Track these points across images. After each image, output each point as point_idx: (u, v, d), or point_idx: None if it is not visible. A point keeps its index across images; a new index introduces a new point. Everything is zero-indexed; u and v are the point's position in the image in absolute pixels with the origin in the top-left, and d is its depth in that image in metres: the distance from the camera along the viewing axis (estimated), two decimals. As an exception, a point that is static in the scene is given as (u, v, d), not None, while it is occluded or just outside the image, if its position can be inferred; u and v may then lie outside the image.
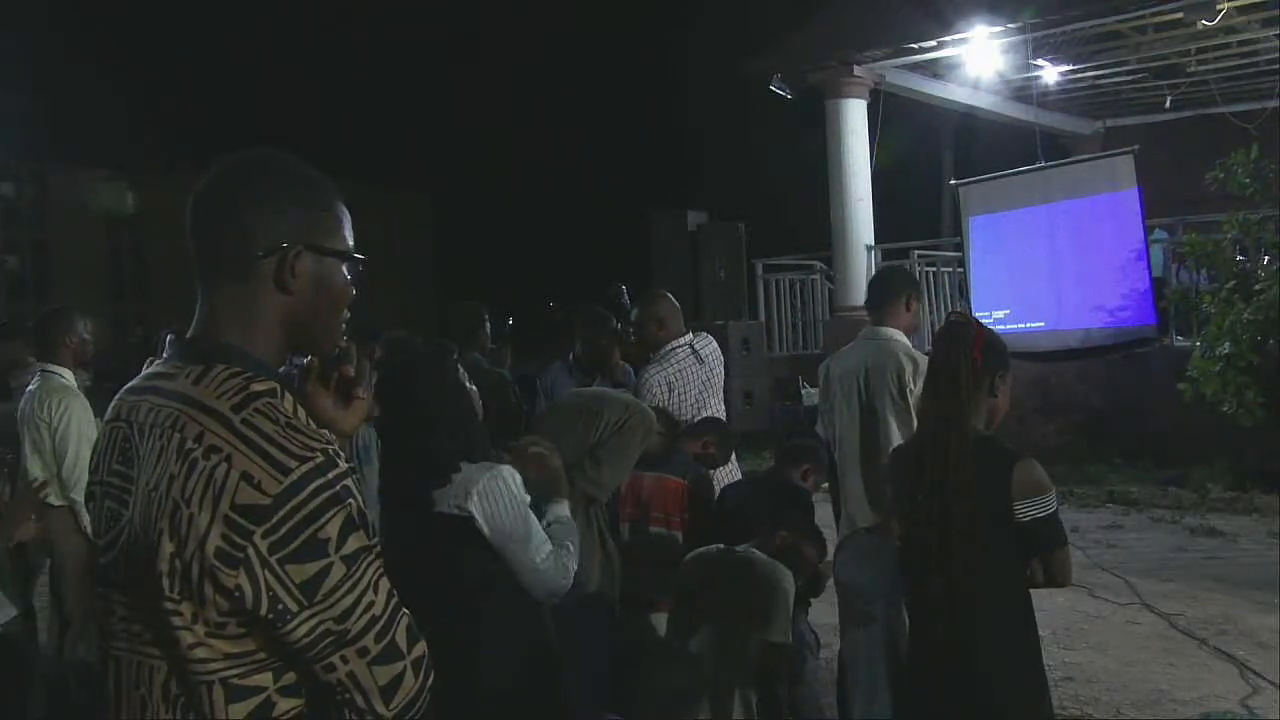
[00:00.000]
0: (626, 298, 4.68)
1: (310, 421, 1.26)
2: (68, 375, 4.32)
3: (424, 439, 2.42)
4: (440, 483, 2.39)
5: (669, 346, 4.16)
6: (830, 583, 3.56)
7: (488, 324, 4.89)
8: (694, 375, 4.14)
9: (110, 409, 1.35)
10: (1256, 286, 7.77)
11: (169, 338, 1.35)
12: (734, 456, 4.32)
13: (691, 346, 4.19)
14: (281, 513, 1.15)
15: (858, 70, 11.31)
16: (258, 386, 1.23)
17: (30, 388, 4.33)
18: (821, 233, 12.11)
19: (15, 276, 51.11)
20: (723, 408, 4.32)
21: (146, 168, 48.54)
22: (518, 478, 2.46)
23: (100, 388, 5.38)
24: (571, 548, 2.51)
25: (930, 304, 11.30)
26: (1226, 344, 7.62)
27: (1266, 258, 8.24)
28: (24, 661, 3.29)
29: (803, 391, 11.25)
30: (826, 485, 3.87)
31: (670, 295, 4.35)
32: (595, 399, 3.34)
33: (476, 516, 2.37)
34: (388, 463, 2.57)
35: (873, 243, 11.71)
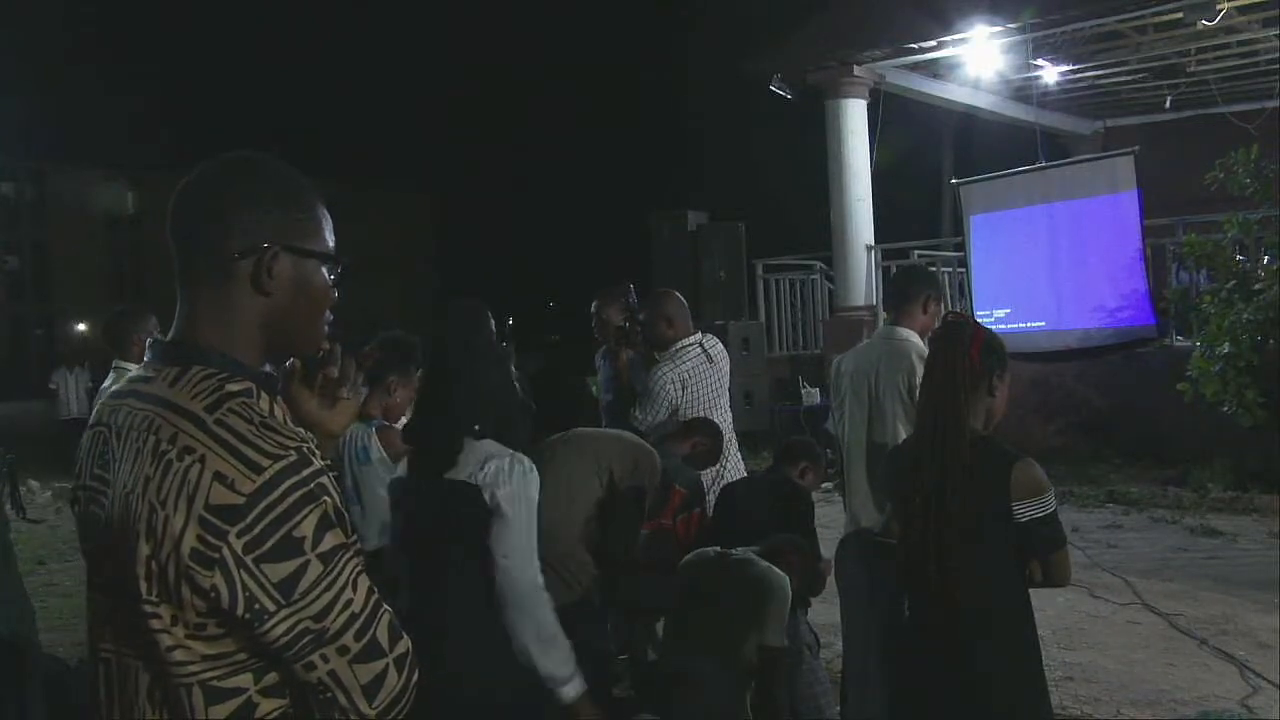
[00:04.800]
0: (634, 297, 4.66)
1: (288, 420, 1.26)
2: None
3: (444, 404, 2.46)
4: (454, 447, 2.41)
5: (679, 345, 4.15)
6: (830, 582, 3.56)
7: (492, 322, 4.83)
8: (705, 375, 4.13)
9: (93, 413, 1.35)
10: (1256, 286, 7.77)
11: (148, 340, 1.35)
12: (739, 455, 4.31)
13: (702, 345, 4.18)
14: (255, 512, 1.15)
15: (858, 70, 11.31)
16: (233, 387, 1.23)
17: (105, 384, 4.34)
18: (821, 233, 12.11)
19: (15, 276, 51.07)
20: (728, 409, 4.32)
21: (146, 168, 48.54)
22: (536, 474, 2.45)
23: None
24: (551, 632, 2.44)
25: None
26: (1226, 344, 7.61)
27: (1266, 258, 8.23)
28: (24, 661, 3.29)
29: (803, 391, 11.25)
30: (831, 485, 3.87)
31: (678, 294, 4.35)
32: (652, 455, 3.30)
33: (483, 487, 2.37)
34: (414, 432, 2.61)
35: (873, 243, 11.71)
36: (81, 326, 46.58)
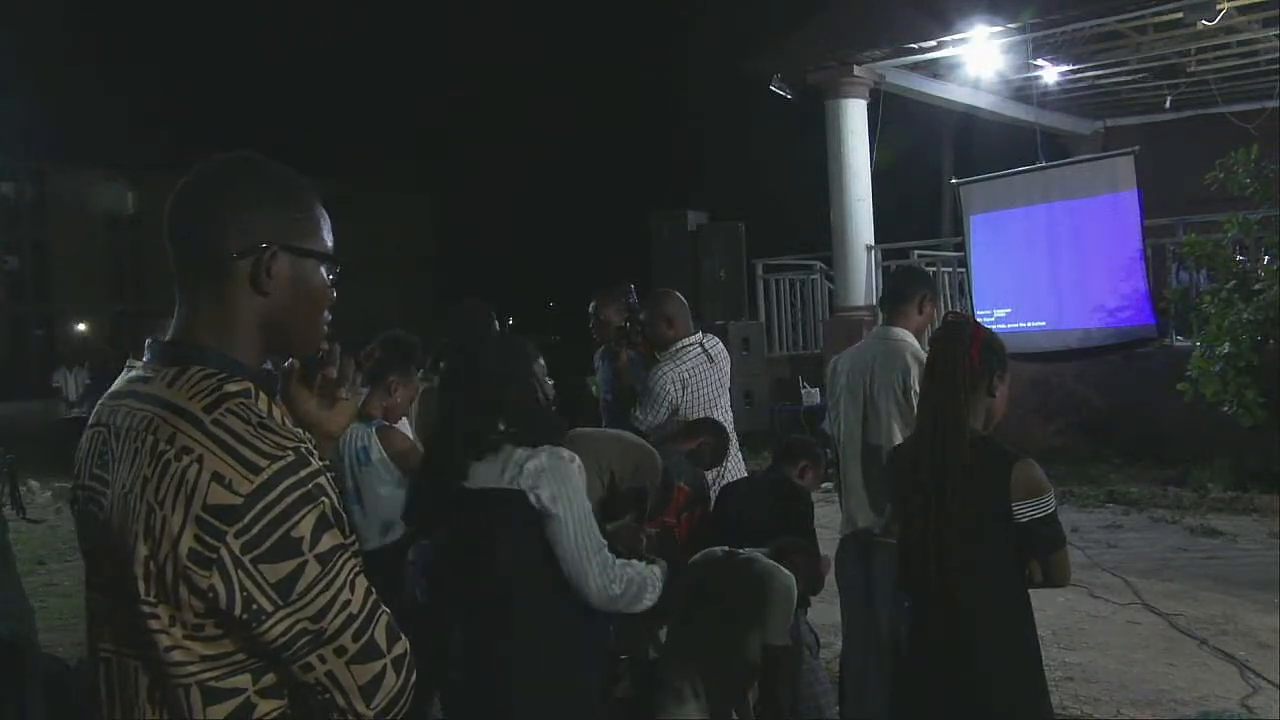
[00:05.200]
0: (634, 296, 4.66)
1: (286, 421, 1.26)
2: None
3: (469, 409, 2.44)
4: (478, 455, 2.39)
5: (680, 345, 4.15)
6: (830, 582, 3.56)
7: (495, 323, 4.82)
8: (706, 375, 4.12)
9: (93, 414, 1.35)
10: (1256, 286, 7.77)
11: (147, 341, 1.34)
12: (740, 455, 4.31)
13: (702, 345, 4.18)
14: (253, 512, 1.15)
15: (858, 70, 11.31)
16: (231, 387, 1.23)
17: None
18: (821, 233, 12.11)
19: (15, 276, 51.04)
20: (729, 409, 4.32)
21: (146, 168, 48.49)
22: (578, 462, 2.43)
23: (100, 388, 5.38)
24: (640, 575, 2.49)
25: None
26: (1226, 344, 7.61)
27: (1266, 258, 8.24)
28: (24, 661, 3.29)
29: (803, 391, 11.26)
30: (830, 485, 3.86)
31: (678, 294, 4.35)
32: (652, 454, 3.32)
33: (526, 490, 2.34)
34: (436, 433, 2.60)
35: (873, 243, 11.71)
36: (81, 326, 46.54)
